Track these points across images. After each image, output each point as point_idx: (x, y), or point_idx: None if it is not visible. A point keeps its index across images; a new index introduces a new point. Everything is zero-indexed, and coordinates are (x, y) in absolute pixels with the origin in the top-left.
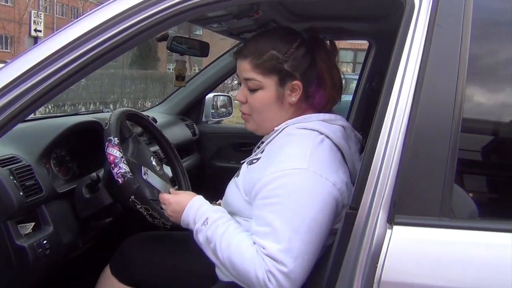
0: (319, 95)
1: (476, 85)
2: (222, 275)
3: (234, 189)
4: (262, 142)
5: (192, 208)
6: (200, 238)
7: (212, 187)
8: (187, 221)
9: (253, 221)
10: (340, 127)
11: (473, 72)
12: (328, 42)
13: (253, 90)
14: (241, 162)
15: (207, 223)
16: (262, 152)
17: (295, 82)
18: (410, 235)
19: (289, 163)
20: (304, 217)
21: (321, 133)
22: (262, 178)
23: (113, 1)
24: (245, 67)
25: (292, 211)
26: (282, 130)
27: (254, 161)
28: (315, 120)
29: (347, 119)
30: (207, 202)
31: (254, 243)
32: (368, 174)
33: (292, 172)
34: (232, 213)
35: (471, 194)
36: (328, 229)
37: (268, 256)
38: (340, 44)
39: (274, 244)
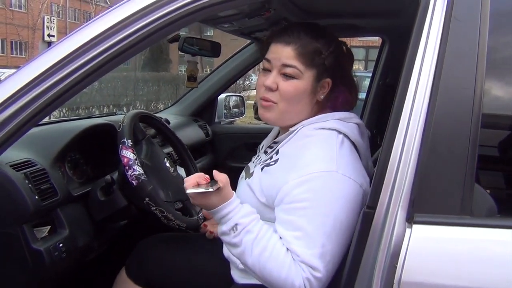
0: (343, 96)
1: (495, 79)
2: (238, 277)
3: (247, 191)
4: (275, 143)
5: (231, 204)
6: (230, 237)
7: None
8: (219, 213)
9: (279, 225)
10: (355, 125)
11: (492, 66)
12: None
13: (289, 77)
14: (249, 164)
15: (236, 229)
16: (277, 154)
17: (328, 79)
18: (430, 233)
19: (317, 165)
20: (335, 220)
21: (340, 132)
22: (288, 182)
23: (123, 3)
24: (288, 54)
25: (324, 215)
26: (298, 131)
27: (271, 163)
28: (331, 119)
29: (361, 117)
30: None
31: (287, 249)
32: (386, 172)
33: (321, 175)
34: None
35: (492, 191)
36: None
37: (304, 263)
38: (351, 41)
39: (307, 250)
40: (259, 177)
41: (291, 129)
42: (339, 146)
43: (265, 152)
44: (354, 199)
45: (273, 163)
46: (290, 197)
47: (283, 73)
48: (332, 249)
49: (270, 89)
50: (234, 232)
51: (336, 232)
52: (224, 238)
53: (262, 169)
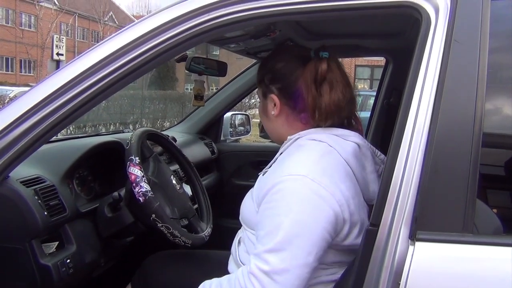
0: (304, 114)
1: (495, 99)
2: None
3: (249, 201)
4: (280, 153)
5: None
6: None
7: (231, 205)
8: None
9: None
10: (354, 144)
11: (492, 87)
12: (325, 63)
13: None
14: (258, 173)
15: None
16: (274, 163)
17: (272, 95)
18: (433, 251)
19: (290, 169)
20: (293, 221)
21: (330, 146)
22: (266, 187)
23: (132, 25)
24: None
25: (283, 215)
26: (294, 140)
27: (266, 171)
28: (327, 133)
29: (366, 136)
30: None
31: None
32: (389, 190)
33: (289, 178)
34: (245, 226)
35: (495, 210)
36: (324, 240)
37: (254, 257)
38: (357, 60)
39: (261, 246)
40: (256, 186)
41: (288, 137)
42: (320, 155)
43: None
44: (320, 205)
45: (268, 170)
46: (264, 200)
47: None
48: (288, 247)
49: None
50: None
51: (294, 233)
52: None
53: (261, 177)
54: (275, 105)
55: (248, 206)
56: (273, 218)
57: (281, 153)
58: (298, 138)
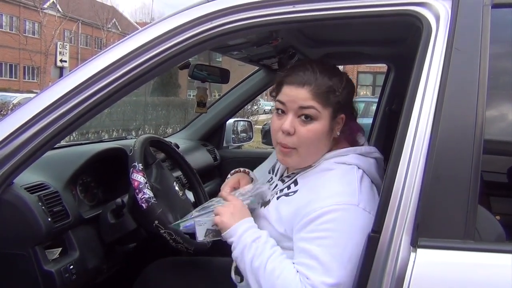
0: (355, 125)
1: (496, 106)
2: None
3: (263, 220)
4: (293, 173)
5: (249, 222)
6: (245, 253)
7: None
8: (235, 231)
9: (296, 253)
10: (374, 160)
11: (493, 93)
12: None
13: (307, 120)
14: (261, 185)
15: (259, 241)
16: (295, 184)
17: (342, 115)
18: (435, 258)
19: (339, 198)
20: (352, 254)
21: (359, 168)
22: (311, 212)
23: (136, 33)
24: (304, 95)
25: (342, 246)
26: (319, 165)
27: (290, 193)
28: (352, 153)
29: (368, 142)
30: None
31: (297, 272)
32: (390, 197)
33: (343, 207)
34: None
35: (498, 217)
36: None
37: (312, 287)
38: (359, 67)
39: (318, 277)
40: (275, 206)
41: (312, 164)
42: (359, 181)
43: (282, 181)
44: None
45: (292, 193)
46: (310, 227)
47: (301, 115)
48: (347, 281)
49: (288, 133)
50: (256, 243)
51: (352, 266)
52: (243, 251)
53: (278, 198)
54: (337, 124)
55: (263, 227)
56: (331, 249)
57: (300, 175)
58: (323, 161)
